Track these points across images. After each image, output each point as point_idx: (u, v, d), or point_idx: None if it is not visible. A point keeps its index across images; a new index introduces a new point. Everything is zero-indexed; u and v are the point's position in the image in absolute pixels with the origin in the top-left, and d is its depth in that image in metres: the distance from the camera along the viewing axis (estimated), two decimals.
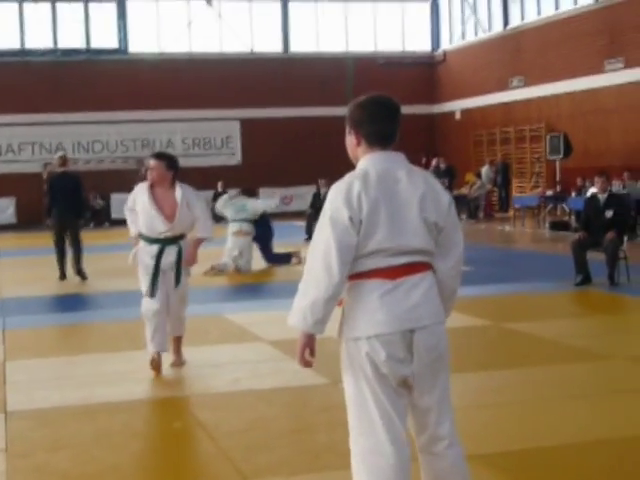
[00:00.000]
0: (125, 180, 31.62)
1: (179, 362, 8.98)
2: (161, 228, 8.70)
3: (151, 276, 8.65)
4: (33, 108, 33.29)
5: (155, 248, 8.70)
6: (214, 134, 35.55)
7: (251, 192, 19.36)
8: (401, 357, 4.15)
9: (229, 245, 17.12)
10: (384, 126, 4.34)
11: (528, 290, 13.28)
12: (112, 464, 6.02)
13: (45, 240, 17.37)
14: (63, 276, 16.35)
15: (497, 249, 20.05)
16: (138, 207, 8.78)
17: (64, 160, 17.49)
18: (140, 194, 8.83)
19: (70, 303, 13.69)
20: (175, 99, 34.33)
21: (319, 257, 4.15)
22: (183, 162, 32.33)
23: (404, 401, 4.24)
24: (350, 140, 4.42)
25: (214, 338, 10.23)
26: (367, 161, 4.30)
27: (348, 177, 4.25)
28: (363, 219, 4.11)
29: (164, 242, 8.72)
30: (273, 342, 9.80)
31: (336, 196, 4.16)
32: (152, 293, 8.67)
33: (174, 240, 8.78)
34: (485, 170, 31.00)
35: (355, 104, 4.43)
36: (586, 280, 13.34)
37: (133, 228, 8.97)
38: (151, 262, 8.67)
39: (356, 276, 4.20)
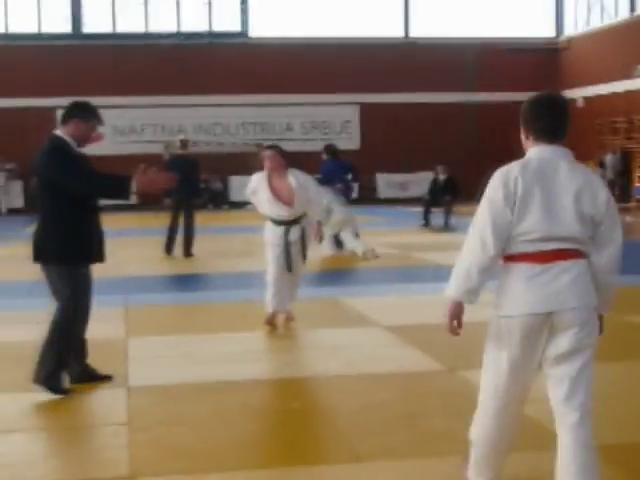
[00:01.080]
0: (244, 163, 32.00)
1: (291, 317, 10.20)
2: (283, 213, 9.82)
3: (284, 253, 9.85)
4: (156, 90, 33.86)
5: (281, 229, 9.88)
6: (333, 118, 35.67)
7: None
8: (542, 337, 4.53)
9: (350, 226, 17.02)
10: (549, 122, 4.71)
11: None
12: (229, 442, 6.15)
13: (165, 220, 17.69)
14: (168, 252, 16.93)
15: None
16: (260, 195, 9.91)
17: (184, 143, 17.86)
18: (260, 183, 9.94)
19: (189, 283, 13.95)
20: (295, 83, 34.53)
21: (476, 231, 4.63)
22: (301, 146, 32.84)
23: (530, 379, 4.71)
24: (522, 135, 4.83)
25: (331, 321, 10.30)
26: (531, 152, 4.73)
27: (509, 165, 4.68)
28: (517, 200, 4.51)
29: (289, 223, 9.89)
30: (390, 327, 9.84)
31: (496, 178, 4.63)
32: (289, 267, 9.89)
33: (297, 221, 9.94)
34: (609, 159, 30.46)
35: (526, 102, 4.81)
36: None
37: (260, 208, 10.16)
38: (280, 241, 9.85)
39: (508, 258, 4.62)
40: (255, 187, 10.00)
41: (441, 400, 7.07)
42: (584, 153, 31.67)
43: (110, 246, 16.45)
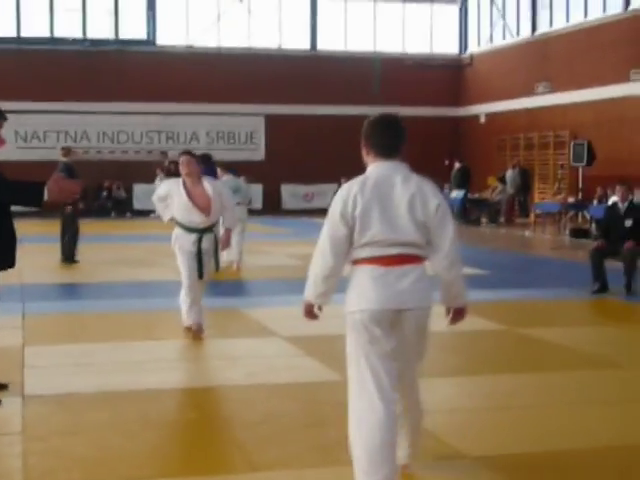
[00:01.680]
0: (148, 172, 31.84)
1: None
2: (198, 220, 9.68)
3: (197, 261, 9.70)
4: (60, 96, 33.44)
5: (194, 236, 9.70)
6: (239, 129, 35.65)
7: (238, 173, 17.79)
8: (387, 331, 5.13)
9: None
10: (387, 140, 5.30)
11: (545, 296, 13.31)
12: (127, 451, 6.12)
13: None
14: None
15: (516, 254, 20.07)
16: (174, 200, 9.73)
17: (67, 150, 18.01)
18: (175, 188, 9.79)
19: (88, 291, 13.80)
20: (201, 92, 34.43)
21: (319, 244, 5.24)
22: None
23: (395, 365, 5.19)
24: (363, 151, 5.40)
25: (231, 332, 10.31)
26: (371, 168, 5.32)
27: (351, 181, 5.25)
28: (357, 216, 5.10)
29: (202, 231, 9.74)
30: (289, 338, 9.88)
31: (337, 196, 5.23)
32: (200, 275, 9.74)
33: (210, 229, 9.84)
34: (509, 174, 30.93)
35: (367, 122, 5.40)
36: (603, 288, 13.37)
37: (165, 215, 10.03)
38: (193, 248, 9.68)
39: (355, 262, 5.21)
40: (166, 193, 9.84)
41: (338, 410, 7.10)
42: (486, 168, 32.25)
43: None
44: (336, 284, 5.28)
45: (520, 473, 5.71)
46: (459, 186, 30.40)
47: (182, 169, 9.76)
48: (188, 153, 10.07)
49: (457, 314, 5.59)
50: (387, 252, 5.11)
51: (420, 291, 5.18)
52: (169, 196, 9.80)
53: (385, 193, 5.15)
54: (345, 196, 5.16)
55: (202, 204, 9.67)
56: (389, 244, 5.11)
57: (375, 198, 5.13)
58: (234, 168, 17.59)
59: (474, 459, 5.95)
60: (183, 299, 9.82)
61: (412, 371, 5.38)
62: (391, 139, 5.33)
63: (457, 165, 31.58)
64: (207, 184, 9.80)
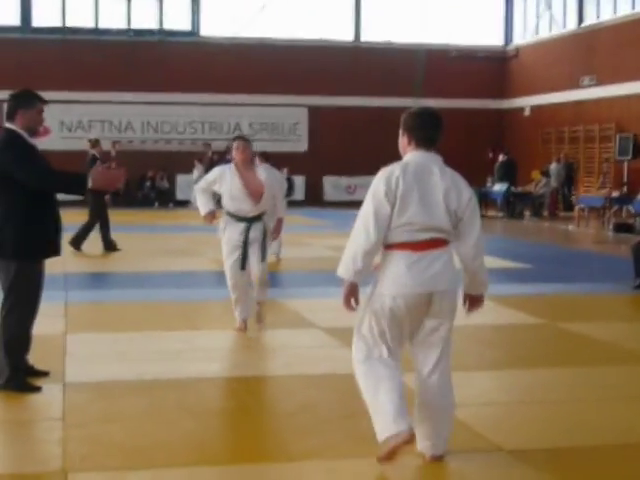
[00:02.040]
0: (191, 162, 32.00)
1: (261, 323, 9.92)
2: (247, 208, 9.50)
3: (242, 250, 9.53)
4: (104, 87, 33.68)
5: (243, 225, 9.53)
6: (282, 120, 35.70)
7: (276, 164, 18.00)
8: (421, 312, 5.50)
9: None
10: (429, 132, 5.68)
11: (586, 291, 13.24)
12: (163, 439, 6.17)
13: (110, 217, 17.67)
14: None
15: (558, 248, 19.97)
16: (223, 187, 9.49)
17: (94, 142, 18.07)
18: (227, 176, 9.52)
19: (131, 280, 13.90)
20: (244, 83, 34.51)
21: (361, 221, 5.47)
22: None
23: (403, 338, 5.63)
24: (402, 140, 5.76)
25: (270, 323, 10.35)
26: (410, 156, 5.66)
27: (392, 165, 5.57)
28: (398, 197, 5.40)
29: (251, 220, 9.57)
30: (326, 329, 9.90)
31: (379, 177, 5.52)
32: (243, 266, 9.56)
33: (259, 218, 9.65)
34: (553, 167, 30.74)
35: (409, 113, 5.76)
36: None
37: (204, 208, 9.70)
38: (240, 238, 9.51)
39: (389, 247, 5.50)
40: (215, 178, 9.59)
41: None
42: (530, 162, 32.07)
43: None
44: (372, 264, 5.55)
45: (555, 467, 5.70)
46: (502, 179, 30.26)
47: (236, 154, 9.49)
48: (242, 138, 9.86)
49: (477, 301, 5.88)
50: (421, 237, 5.45)
51: (450, 273, 5.56)
52: (218, 182, 9.56)
53: (424, 179, 5.51)
54: (388, 177, 5.47)
55: (254, 190, 9.48)
56: (424, 228, 5.44)
57: (415, 182, 5.46)
58: (271, 158, 17.53)
59: (509, 452, 5.94)
60: (232, 296, 9.81)
61: (440, 351, 5.63)
62: (432, 131, 5.69)
63: (501, 158, 31.43)
64: (261, 171, 9.71)
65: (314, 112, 35.48)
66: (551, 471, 5.60)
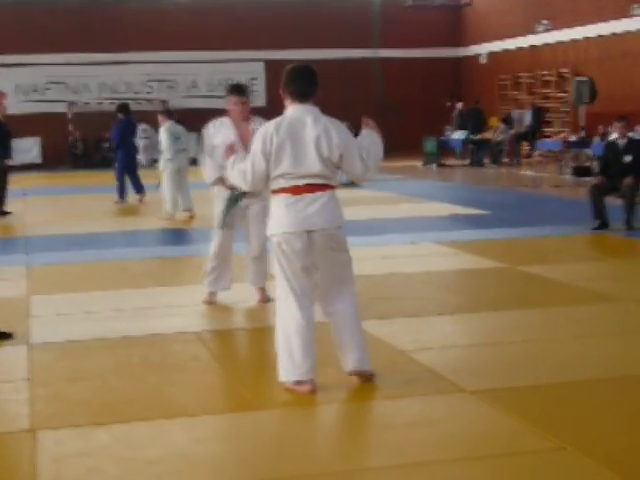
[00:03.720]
0: (149, 121, 31.79)
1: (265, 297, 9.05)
2: None
3: (227, 204, 8.65)
4: (59, 48, 33.32)
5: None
6: (238, 75, 35.42)
7: (179, 119, 18.12)
8: (302, 250, 6.04)
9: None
10: (302, 86, 6.20)
11: (545, 234, 13.38)
12: (130, 395, 6.23)
13: (69, 180, 17.64)
14: None
15: (517, 194, 20.10)
16: (218, 141, 8.59)
17: None
18: (223, 131, 8.71)
19: (93, 241, 13.87)
20: (199, 40, 34.26)
21: (242, 166, 6.21)
22: (207, 103, 32.70)
23: (310, 280, 6.12)
24: (283, 96, 6.28)
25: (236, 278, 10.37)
26: (287, 111, 6.22)
27: (269, 122, 6.20)
28: (273, 152, 6.02)
29: None
30: None
31: (257, 136, 6.18)
32: (224, 224, 8.74)
33: None
34: (516, 114, 30.79)
35: (285, 70, 6.29)
36: (603, 225, 13.42)
37: (213, 173, 8.76)
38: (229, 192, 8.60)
39: (273, 192, 6.17)
40: (213, 134, 8.75)
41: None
42: (487, 109, 32.11)
43: (11, 206, 16.24)
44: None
45: (520, 405, 5.80)
46: (461, 127, 30.39)
47: (234, 109, 8.73)
48: (241, 91, 8.83)
49: None
50: (296, 183, 6.05)
51: (328, 213, 6.10)
52: (217, 136, 8.72)
53: (297, 132, 6.07)
54: (264, 134, 6.11)
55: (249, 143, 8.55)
56: (298, 176, 6.05)
57: (288, 136, 6.04)
58: (175, 114, 17.77)
59: (471, 393, 6.04)
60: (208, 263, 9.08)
61: (340, 284, 6.23)
62: (305, 86, 6.22)
63: (460, 106, 31.53)
64: (256, 124, 8.40)
65: (271, 66, 35.25)
66: (514, 409, 5.69)
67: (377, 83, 35.93)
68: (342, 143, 6.10)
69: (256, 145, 6.11)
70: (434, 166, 28.77)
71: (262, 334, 7.86)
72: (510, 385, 6.22)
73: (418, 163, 29.47)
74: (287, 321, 6.08)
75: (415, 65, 35.89)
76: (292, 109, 6.20)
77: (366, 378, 6.25)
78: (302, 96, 6.18)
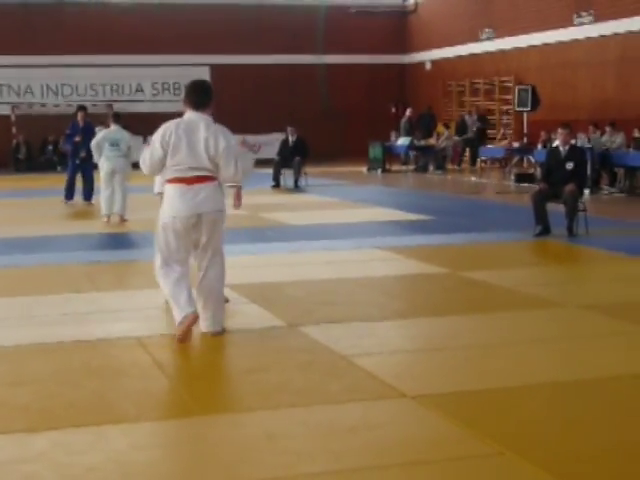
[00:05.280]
0: (94, 124, 31.55)
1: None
2: None
3: None
4: (2, 50, 33.03)
5: None
6: (184, 79, 35.23)
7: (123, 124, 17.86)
8: (193, 227, 7.63)
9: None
10: (197, 98, 7.80)
11: (488, 240, 13.47)
12: (69, 400, 6.15)
13: (12, 183, 17.45)
14: None
15: (461, 200, 20.22)
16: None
17: None
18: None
19: (32, 245, 13.72)
20: (145, 44, 34.16)
21: (144, 154, 7.76)
22: (152, 107, 32.56)
23: (189, 248, 7.76)
24: (183, 103, 7.86)
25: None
26: (185, 115, 7.77)
27: (170, 122, 7.71)
28: (170, 144, 7.55)
29: None
30: (233, 286, 9.91)
31: (159, 130, 7.69)
32: None
33: None
34: (467, 119, 30.99)
35: (187, 84, 8.04)
36: (546, 231, 13.54)
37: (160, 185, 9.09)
38: None
39: (168, 181, 7.70)
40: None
41: (281, 355, 7.21)
42: (437, 114, 32.29)
43: None
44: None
45: (460, 410, 5.81)
46: (409, 133, 30.56)
47: None
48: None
49: (238, 192, 9.05)
50: (189, 174, 7.57)
51: (212, 200, 7.65)
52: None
53: (192, 132, 7.59)
54: (165, 130, 7.65)
55: None
56: (191, 167, 7.57)
57: (185, 134, 7.57)
58: (121, 119, 17.69)
59: (413, 398, 6.05)
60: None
61: (211, 254, 7.80)
62: (199, 97, 7.80)
63: (408, 112, 31.70)
64: None
65: (217, 71, 35.21)
66: (455, 414, 5.70)
67: (322, 89, 35.99)
68: (226, 147, 7.61)
69: (156, 137, 7.64)
70: (379, 172, 28.86)
71: (203, 339, 7.82)
72: (451, 390, 6.23)
73: (363, 169, 29.54)
74: (171, 275, 7.67)
75: (360, 71, 36.00)
76: (189, 114, 7.75)
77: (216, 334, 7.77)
78: (197, 105, 7.75)
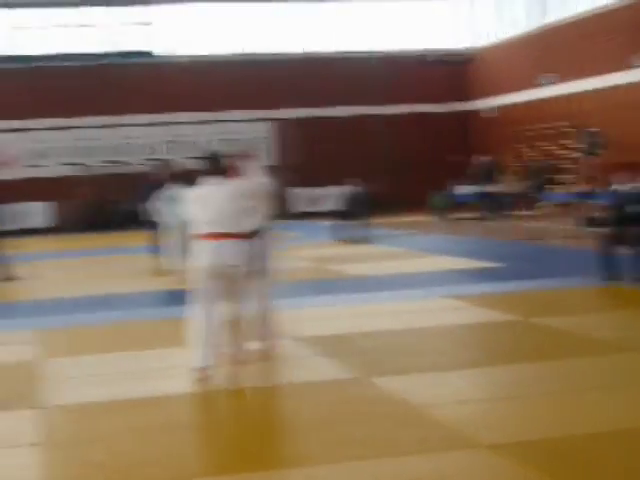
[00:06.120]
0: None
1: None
2: None
3: None
4: (65, 113, 33.71)
5: None
6: (245, 135, 35.66)
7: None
8: (220, 275, 8.37)
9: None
10: (211, 167, 8.62)
11: (557, 286, 13.33)
12: (143, 457, 6.17)
13: (77, 242, 17.65)
14: None
15: (528, 246, 20.06)
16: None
17: None
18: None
19: (97, 304, 13.81)
20: (204, 101, 34.54)
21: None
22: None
23: (220, 296, 8.42)
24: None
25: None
26: (205, 181, 8.58)
27: (197, 186, 8.63)
28: (198, 206, 8.49)
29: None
30: (302, 338, 9.92)
31: (189, 193, 8.77)
32: None
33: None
34: (533, 166, 30.87)
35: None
36: (614, 275, 13.36)
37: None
38: None
39: (197, 236, 8.52)
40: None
41: (353, 406, 7.18)
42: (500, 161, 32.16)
43: (19, 270, 16.20)
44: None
45: (534, 459, 5.72)
46: (481, 181, 30.36)
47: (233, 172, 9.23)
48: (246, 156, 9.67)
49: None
50: (215, 230, 8.38)
51: (239, 254, 8.45)
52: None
53: (215, 193, 8.47)
54: (192, 195, 8.64)
55: None
56: (216, 225, 8.39)
57: (210, 195, 8.46)
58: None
59: (487, 447, 5.97)
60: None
61: (241, 298, 8.63)
62: (214, 166, 8.64)
63: (476, 160, 31.53)
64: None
65: (277, 125, 35.49)
66: (530, 463, 5.62)
67: (384, 140, 36.05)
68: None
69: (187, 200, 8.79)
70: (444, 220, 28.76)
71: (271, 391, 7.80)
72: (526, 439, 6.15)
73: (427, 217, 29.48)
74: (201, 324, 8.33)
75: (422, 120, 36.04)
76: (207, 180, 8.54)
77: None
78: (214, 171, 8.58)
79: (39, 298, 14.54)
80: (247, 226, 8.84)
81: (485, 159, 31.48)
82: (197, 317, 8.36)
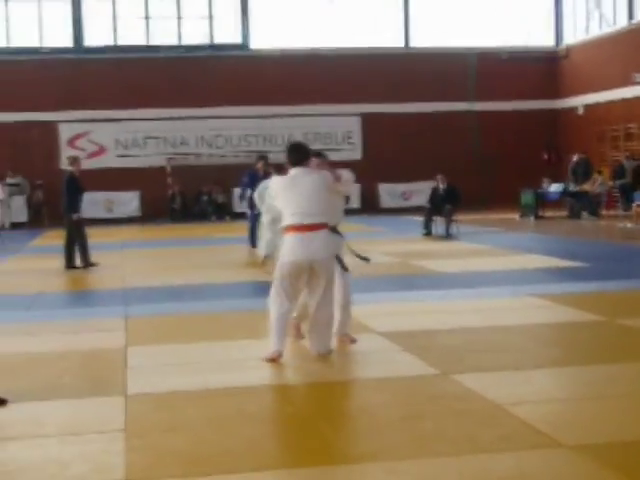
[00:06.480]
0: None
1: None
2: None
3: None
4: (157, 103, 34.02)
5: None
6: (335, 129, 35.76)
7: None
8: (305, 269, 8.66)
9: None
10: (294, 157, 8.88)
11: None
12: (225, 447, 6.22)
13: (168, 232, 17.84)
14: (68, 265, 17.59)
15: (615, 246, 19.80)
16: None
17: (71, 160, 18.24)
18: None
19: (189, 293, 14.00)
20: (296, 94, 34.66)
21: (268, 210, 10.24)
22: None
23: (298, 289, 8.86)
24: (287, 162, 8.95)
25: None
26: (291, 171, 8.83)
27: (281, 177, 9.06)
28: (281, 196, 8.80)
29: None
30: (385, 334, 9.92)
31: (272, 185, 9.12)
32: None
33: None
34: (626, 164, 30.35)
35: (287, 145, 9.26)
36: None
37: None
38: None
39: (284, 228, 8.77)
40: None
41: (435, 403, 7.16)
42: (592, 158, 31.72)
43: (110, 258, 16.53)
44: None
45: (617, 461, 5.66)
46: (578, 179, 29.91)
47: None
48: (320, 155, 9.54)
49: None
50: (303, 221, 8.57)
51: (327, 245, 8.65)
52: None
53: (299, 183, 8.66)
54: (275, 184, 8.98)
55: None
56: (304, 215, 8.58)
57: (293, 186, 8.67)
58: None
59: (570, 448, 5.92)
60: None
61: (321, 292, 8.74)
62: (296, 156, 8.87)
63: (575, 158, 31.05)
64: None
65: (367, 120, 35.51)
66: (613, 465, 5.56)
67: (473, 136, 35.83)
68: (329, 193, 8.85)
69: (270, 191, 9.17)
70: (531, 218, 28.49)
71: (357, 386, 7.82)
72: (610, 440, 6.07)
73: (515, 216, 29.22)
74: (278, 309, 8.71)
75: (511, 117, 35.74)
76: (292, 170, 8.79)
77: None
78: (296, 162, 8.80)
79: (130, 286, 14.75)
80: (332, 219, 8.91)
81: (579, 156, 31.00)
82: (275, 308, 8.71)
